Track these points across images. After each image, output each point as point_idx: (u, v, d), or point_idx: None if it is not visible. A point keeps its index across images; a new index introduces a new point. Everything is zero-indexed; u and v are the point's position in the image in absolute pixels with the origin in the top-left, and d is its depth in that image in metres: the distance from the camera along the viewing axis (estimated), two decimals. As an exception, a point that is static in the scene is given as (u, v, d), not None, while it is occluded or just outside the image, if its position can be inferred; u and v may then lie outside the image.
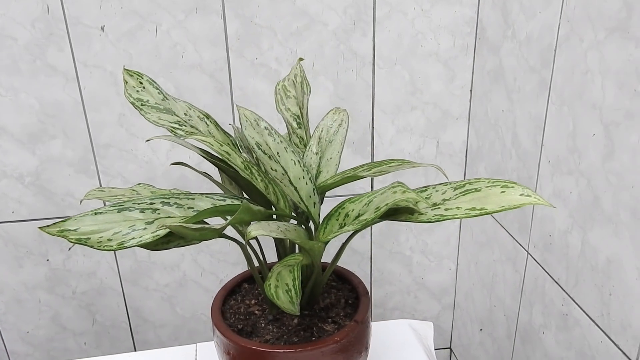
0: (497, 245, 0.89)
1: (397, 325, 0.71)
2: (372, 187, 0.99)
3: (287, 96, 0.61)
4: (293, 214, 0.52)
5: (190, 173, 0.95)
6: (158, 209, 0.46)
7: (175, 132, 0.55)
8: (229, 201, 0.48)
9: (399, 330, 0.70)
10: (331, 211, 0.49)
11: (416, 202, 0.42)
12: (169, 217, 0.46)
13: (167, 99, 0.57)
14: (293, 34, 0.86)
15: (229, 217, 0.54)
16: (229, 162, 0.48)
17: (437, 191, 0.44)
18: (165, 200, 0.47)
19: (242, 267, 1.03)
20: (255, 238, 0.56)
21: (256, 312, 0.56)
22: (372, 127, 0.94)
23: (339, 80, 0.90)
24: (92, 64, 0.85)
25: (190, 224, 0.41)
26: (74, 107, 0.87)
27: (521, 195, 0.41)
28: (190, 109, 0.57)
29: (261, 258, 0.55)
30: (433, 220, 0.41)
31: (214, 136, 0.54)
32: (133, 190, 0.56)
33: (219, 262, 1.02)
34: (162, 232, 0.44)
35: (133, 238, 0.44)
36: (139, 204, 0.46)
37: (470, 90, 0.94)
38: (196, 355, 0.69)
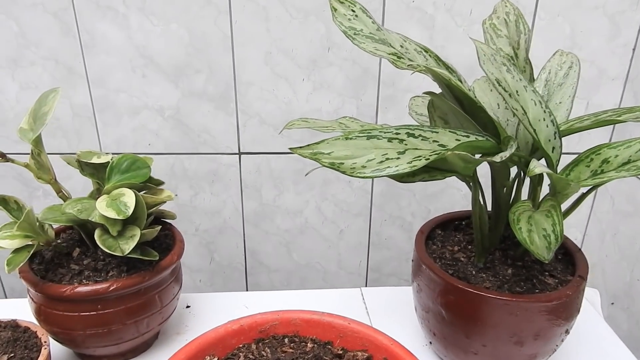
0: (649, 215, 0.84)
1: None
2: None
3: (497, 35, 0.57)
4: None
5: (326, 115, 0.92)
6: (404, 140, 0.44)
7: (396, 64, 0.52)
8: (472, 137, 0.45)
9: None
10: (580, 157, 0.46)
11: None
12: (416, 148, 0.44)
13: (381, 30, 0.54)
14: (457, -23, 0.82)
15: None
16: (464, 96, 0.45)
17: None
18: (410, 132, 0.44)
19: (364, 219, 1.01)
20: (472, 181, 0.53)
21: (462, 258, 0.54)
22: (523, 83, 0.90)
23: (495, 30, 0.85)
24: (246, -4, 0.82)
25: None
26: (222, 41, 0.85)
27: None
28: (405, 42, 0.54)
29: (481, 202, 0.52)
30: None
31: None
32: (340, 123, 0.54)
33: (341, 212, 1.01)
34: (419, 164, 0.42)
35: (389, 167, 0.42)
36: (385, 133, 0.44)
37: (633, 49, 0.88)
38: (363, 298, 0.68)
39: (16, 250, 0.49)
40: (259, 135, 0.92)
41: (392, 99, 0.91)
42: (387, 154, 0.43)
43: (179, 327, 0.65)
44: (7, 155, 0.52)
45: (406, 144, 0.44)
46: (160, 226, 0.56)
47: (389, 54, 0.52)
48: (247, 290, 1.08)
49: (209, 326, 0.65)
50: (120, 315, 0.53)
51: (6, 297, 1.06)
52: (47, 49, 0.84)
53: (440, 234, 0.59)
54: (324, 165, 0.42)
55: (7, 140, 0.91)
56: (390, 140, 0.44)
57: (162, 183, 0.58)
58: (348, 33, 0.54)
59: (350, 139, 0.44)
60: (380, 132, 0.44)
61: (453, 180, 0.98)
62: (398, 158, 0.43)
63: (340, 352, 0.47)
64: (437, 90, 0.90)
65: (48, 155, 0.66)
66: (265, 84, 0.88)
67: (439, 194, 0.99)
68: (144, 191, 0.55)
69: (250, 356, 0.46)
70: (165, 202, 0.55)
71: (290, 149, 0.43)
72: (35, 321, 0.56)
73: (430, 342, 0.57)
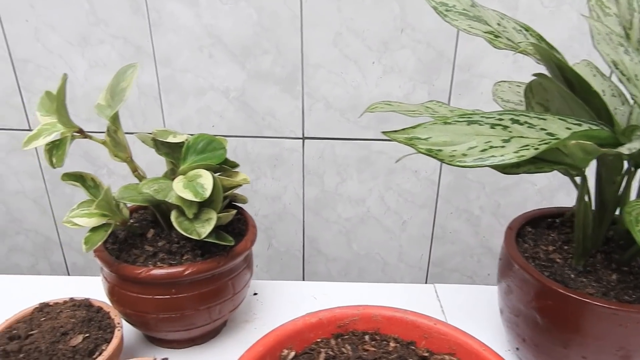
0: None
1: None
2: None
3: (605, 14, 0.51)
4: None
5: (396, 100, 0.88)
6: (508, 127, 0.40)
7: (493, 43, 0.47)
8: (586, 126, 0.40)
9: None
10: None
11: None
12: (522, 137, 0.40)
13: (476, 6, 0.50)
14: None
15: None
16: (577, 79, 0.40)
17: None
18: (515, 118, 0.40)
19: (428, 211, 0.97)
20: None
21: (558, 260, 0.49)
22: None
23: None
24: (319, -26, 0.79)
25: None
26: (291, 21, 0.82)
27: None
28: (503, 19, 0.49)
29: (586, 199, 0.47)
30: None
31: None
32: (427, 107, 0.50)
33: (405, 202, 0.97)
34: (528, 154, 0.37)
35: (493, 156, 0.38)
36: (487, 118, 0.40)
37: None
38: (437, 295, 0.65)
39: (93, 229, 0.48)
40: (324, 120, 0.89)
41: (467, 84, 0.86)
42: (490, 141, 0.39)
43: (247, 315, 0.63)
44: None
45: (510, 131, 0.40)
46: (236, 210, 0.54)
47: (485, 33, 0.48)
48: (303, 278, 1.06)
49: (277, 315, 0.63)
50: (193, 301, 0.51)
51: (69, 274, 1.08)
52: (116, 27, 0.84)
53: (530, 232, 0.54)
54: (420, 152, 0.39)
55: (76, 118, 0.91)
56: (493, 126, 0.40)
57: (237, 165, 0.55)
58: (439, 9, 0.50)
59: (449, 123, 0.40)
60: (481, 117, 0.40)
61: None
62: (503, 147, 0.38)
63: (426, 354, 0.44)
64: (523, 76, 0.84)
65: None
66: (333, 67, 0.85)
67: (512, 187, 0.94)
68: (219, 173, 0.53)
69: (330, 352, 0.43)
70: (241, 185, 0.53)
71: (383, 132, 0.40)
72: (107, 301, 0.55)
73: (517, 348, 0.53)
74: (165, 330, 0.53)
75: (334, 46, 0.84)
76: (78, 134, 0.49)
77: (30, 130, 0.93)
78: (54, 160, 0.46)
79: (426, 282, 1.05)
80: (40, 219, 1.02)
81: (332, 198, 0.97)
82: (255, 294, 0.68)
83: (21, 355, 0.45)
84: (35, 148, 0.96)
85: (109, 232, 0.48)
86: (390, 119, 0.88)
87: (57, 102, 0.45)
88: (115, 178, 0.97)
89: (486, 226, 0.98)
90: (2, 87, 0.90)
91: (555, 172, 0.49)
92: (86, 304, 0.53)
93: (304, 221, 0.99)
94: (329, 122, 0.89)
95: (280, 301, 0.67)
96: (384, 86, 0.86)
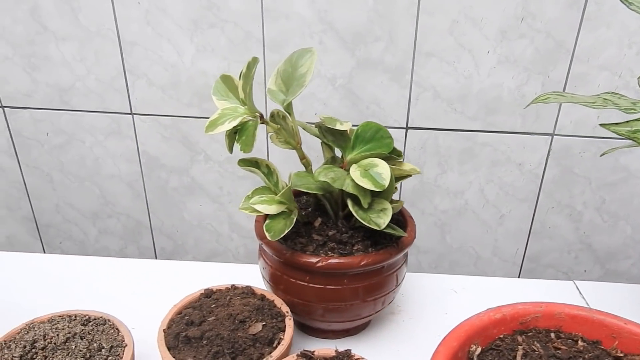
0: None
1: None
2: None
3: None
4: None
5: (507, 92, 0.86)
6: None
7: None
8: None
9: None
10: None
11: None
12: None
13: (665, -7, 0.47)
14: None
15: None
16: None
17: None
18: None
19: (528, 205, 0.95)
20: None
21: None
22: None
23: None
24: (442, -41, 0.77)
25: None
26: (407, 8, 0.80)
27: None
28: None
29: None
30: None
31: None
32: (605, 99, 0.48)
33: (505, 196, 0.95)
34: None
35: None
36: None
37: None
38: (580, 292, 0.63)
39: (271, 217, 0.47)
40: (430, 110, 0.88)
41: (584, 76, 0.83)
42: None
43: (391, 307, 0.62)
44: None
45: None
46: (403, 201, 0.52)
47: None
48: (392, 269, 1.05)
49: (421, 308, 0.62)
50: (362, 292, 0.50)
51: (156, 258, 1.09)
52: (228, 11, 0.83)
53: None
54: (644, 145, 0.37)
55: (177, 102, 0.92)
56: None
57: (401, 155, 0.54)
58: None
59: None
60: None
61: (636, 169, 0.89)
62: None
63: (620, 354, 0.42)
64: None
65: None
66: (446, 55, 0.83)
67: (619, 183, 0.91)
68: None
69: (520, 349, 0.42)
70: (410, 175, 0.52)
71: (601, 125, 0.38)
72: (264, 288, 0.54)
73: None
74: (330, 321, 0.52)
75: (449, 34, 0.82)
76: (260, 121, 0.48)
77: (131, 114, 0.94)
78: (240, 145, 0.45)
79: (519, 277, 1.03)
80: (133, 202, 1.03)
81: (430, 189, 0.95)
82: (394, 285, 0.67)
83: (204, 342, 0.45)
84: (135, 131, 0.96)
85: (294, 220, 0.48)
86: (500, 109, 0.86)
87: (247, 87, 0.44)
88: (211, 164, 0.97)
89: (587, 222, 0.95)
90: (107, 70, 0.90)
91: None
92: (250, 292, 0.52)
93: (398, 212, 0.98)
94: (434, 112, 0.88)
95: (421, 294, 0.65)
96: (497, 77, 0.84)
